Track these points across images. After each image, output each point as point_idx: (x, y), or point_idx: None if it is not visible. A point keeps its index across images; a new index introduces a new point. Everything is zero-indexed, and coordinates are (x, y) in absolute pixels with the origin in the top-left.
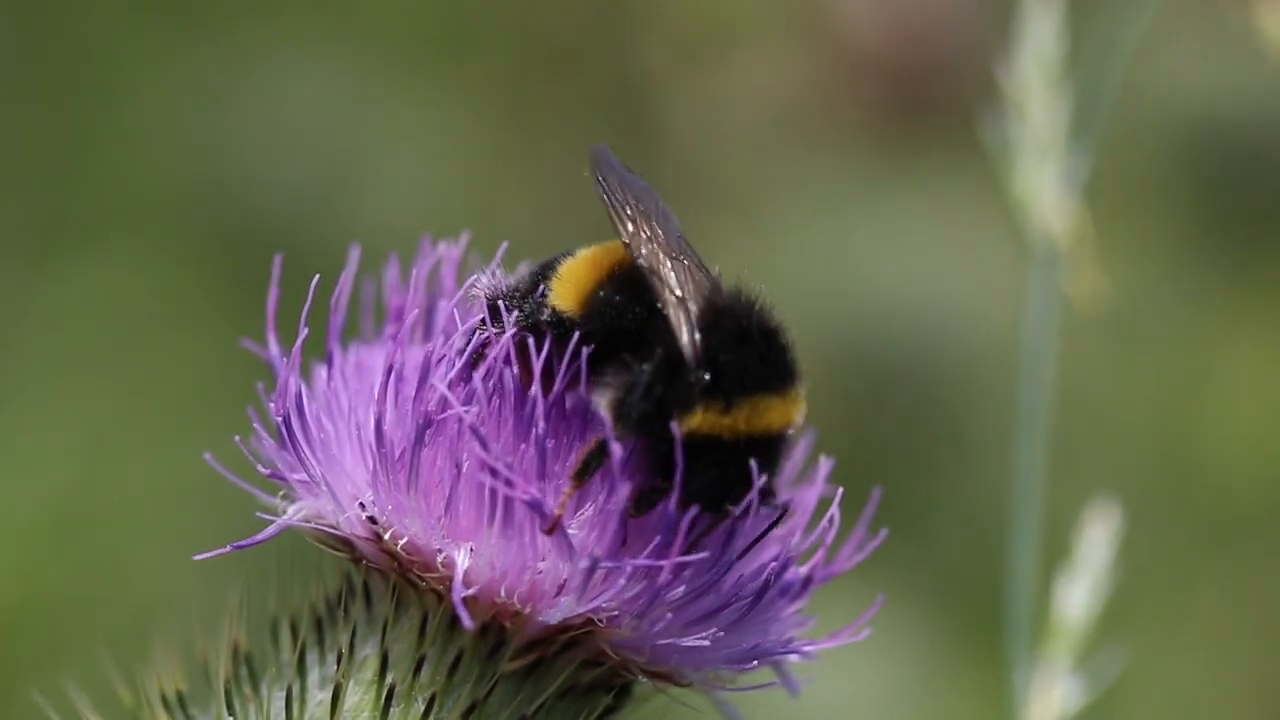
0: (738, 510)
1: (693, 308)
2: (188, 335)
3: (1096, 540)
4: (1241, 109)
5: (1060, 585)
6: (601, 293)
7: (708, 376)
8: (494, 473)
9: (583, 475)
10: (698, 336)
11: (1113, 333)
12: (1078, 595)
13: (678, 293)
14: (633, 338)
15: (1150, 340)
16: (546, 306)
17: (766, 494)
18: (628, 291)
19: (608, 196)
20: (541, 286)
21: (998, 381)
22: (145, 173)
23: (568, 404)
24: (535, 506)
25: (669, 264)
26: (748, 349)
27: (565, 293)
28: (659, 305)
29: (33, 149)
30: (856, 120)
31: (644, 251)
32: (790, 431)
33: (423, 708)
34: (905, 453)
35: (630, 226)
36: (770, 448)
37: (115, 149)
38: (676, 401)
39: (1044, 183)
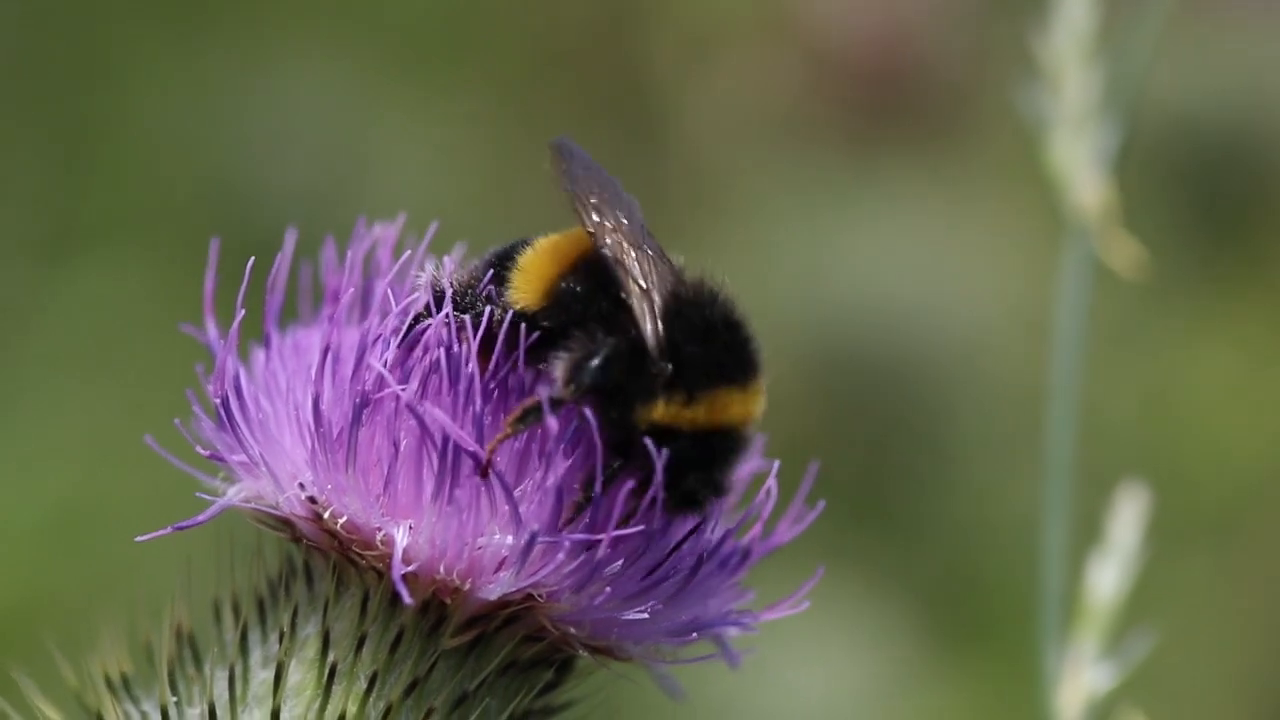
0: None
1: (656, 299)
2: (191, 338)
3: (1126, 523)
4: (1219, 110)
5: (1090, 569)
6: (564, 284)
7: (670, 368)
8: (423, 425)
9: (517, 424)
10: (661, 327)
11: (1100, 328)
12: (1107, 578)
13: (641, 284)
14: (595, 328)
15: (1130, 338)
16: (501, 301)
17: (720, 487)
18: (591, 282)
19: (570, 186)
20: (492, 277)
21: (982, 380)
22: (152, 177)
23: (509, 383)
24: (472, 454)
25: (633, 254)
26: (711, 341)
27: (526, 285)
28: (623, 296)
29: (41, 153)
30: (837, 122)
31: (608, 241)
32: (750, 425)
33: (365, 685)
34: (888, 452)
35: (595, 216)
36: (728, 441)
37: (122, 154)
38: (638, 391)
39: (1078, 157)
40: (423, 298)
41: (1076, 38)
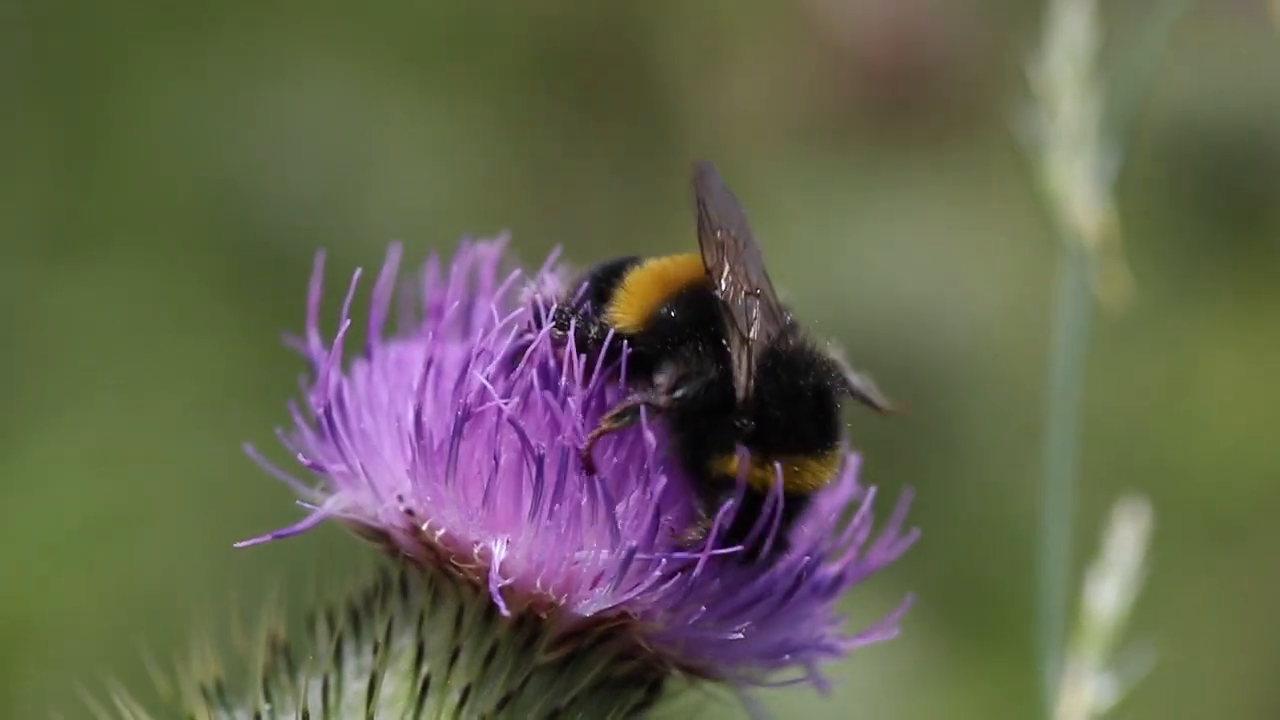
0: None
1: (757, 352)
2: (198, 340)
3: (1125, 538)
4: (1229, 112)
5: (1090, 582)
6: (665, 310)
7: (753, 425)
8: (524, 439)
9: (614, 422)
10: (752, 385)
11: (1109, 334)
12: (1107, 592)
13: (745, 334)
14: (692, 358)
15: (1145, 342)
16: (600, 319)
17: (781, 544)
18: (693, 314)
19: (702, 216)
20: (591, 291)
21: (995, 384)
22: (155, 179)
23: (608, 399)
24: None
25: (743, 301)
26: (798, 407)
27: (629, 306)
28: (724, 342)
29: (44, 155)
30: (849, 122)
31: (723, 284)
32: (820, 490)
33: (458, 698)
34: (899, 454)
35: (717, 254)
36: (795, 505)
37: (124, 155)
38: (717, 441)
39: (1075, 178)
40: (526, 314)
41: (1074, 59)
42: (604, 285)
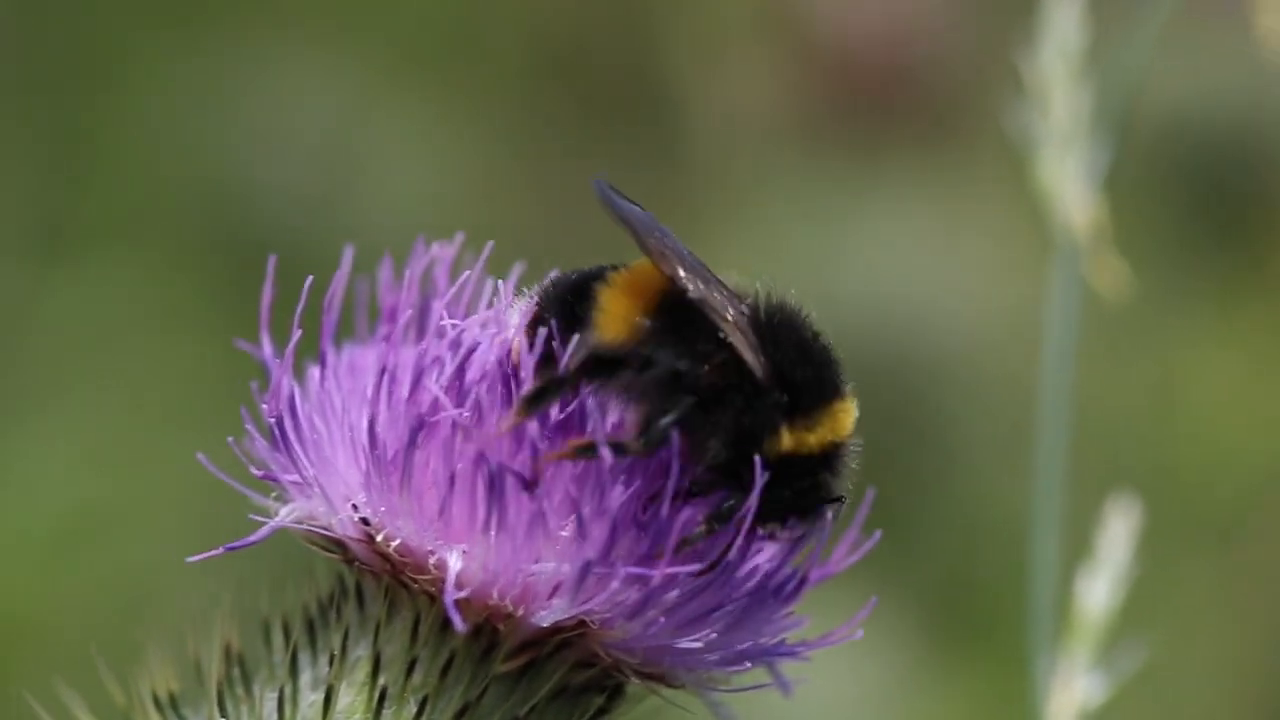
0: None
1: (746, 326)
2: (191, 340)
3: (1116, 535)
4: (1224, 110)
5: (1081, 580)
6: (646, 322)
7: (785, 395)
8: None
9: (572, 454)
10: (763, 359)
11: (1099, 333)
12: (1099, 590)
13: (728, 317)
14: (672, 371)
15: (1135, 341)
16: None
17: (838, 499)
18: (669, 321)
19: (637, 234)
20: (564, 309)
21: (989, 383)
22: (149, 178)
23: (570, 409)
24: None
25: (710, 291)
26: (813, 357)
27: (610, 325)
28: (721, 336)
29: (36, 153)
30: (843, 123)
31: (689, 285)
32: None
33: (415, 709)
34: (890, 455)
35: (669, 263)
36: (842, 453)
37: (119, 154)
38: (759, 426)
39: (1067, 174)
40: (482, 318)
41: (1065, 55)
42: (574, 304)
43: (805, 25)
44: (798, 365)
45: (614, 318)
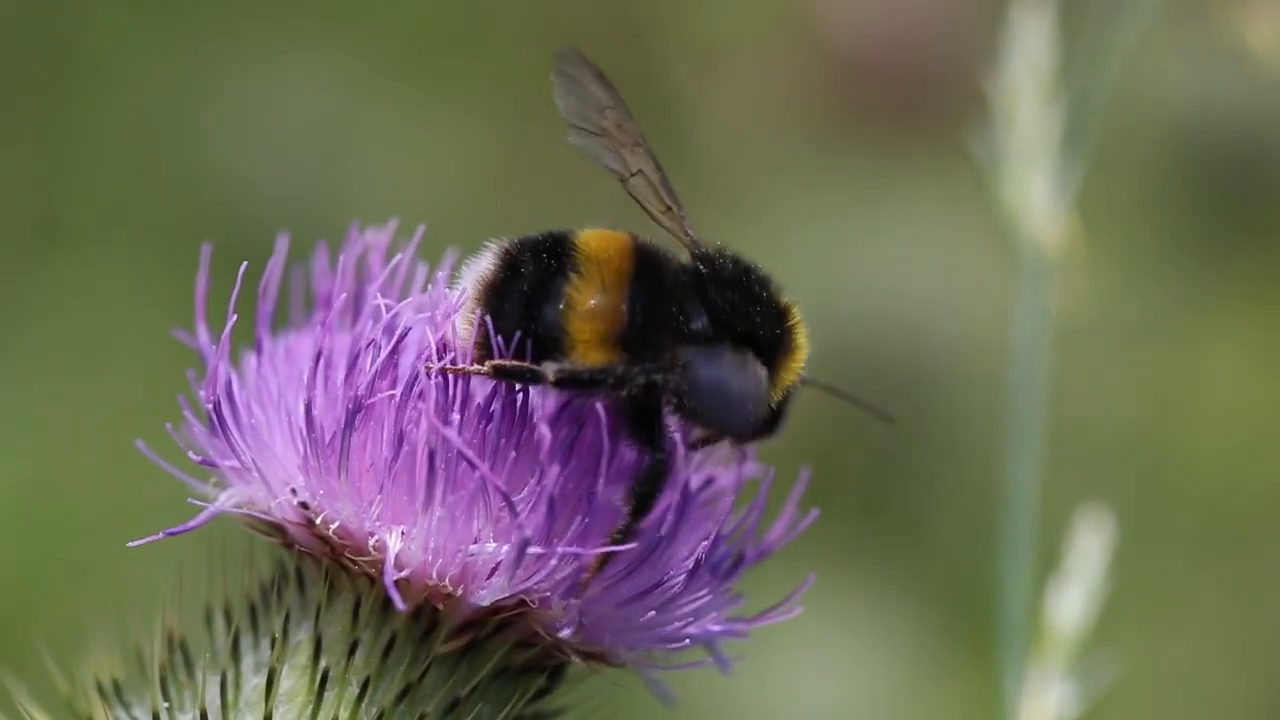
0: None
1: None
2: (173, 335)
3: (1088, 547)
4: (1226, 115)
5: (1052, 591)
6: (634, 319)
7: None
8: (467, 460)
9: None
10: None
11: (1100, 338)
12: (1070, 602)
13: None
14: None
15: (1136, 345)
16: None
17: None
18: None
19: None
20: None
21: (986, 385)
22: (138, 173)
23: (505, 389)
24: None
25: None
26: (761, 314)
27: (592, 336)
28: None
29: (23, 148)
30: (850, 125)
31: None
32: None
33: (357, 691)
34: (895, 453)
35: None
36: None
37: (107, 150)
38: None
39: (1034, 192)
40: (417, 302)
41: (1034, 70)
42: (548, 310)
43: (813, 28)
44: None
45: (597, 326)
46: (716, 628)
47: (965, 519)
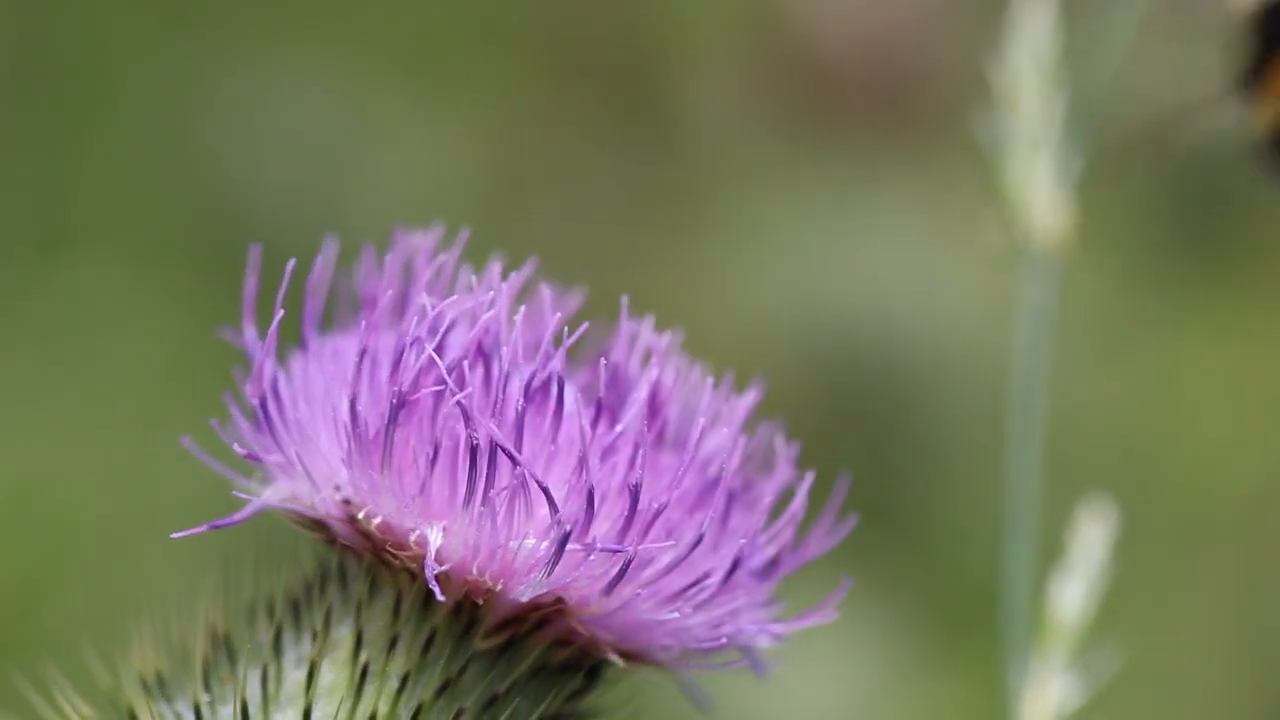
0: None
1: None
2: (178, 332)
3: (1091, 537)
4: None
5: (1054, 582)
6: None
7: None
8: (508, 456)
9: None
10: None
11: (1089, 334)
12: (1072, 594)
13: None
14: None
15: (1126, 344)
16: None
17: None
18: None
19: None
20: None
21: (976, 385)
22: (140, 173)
23: (549, 384)
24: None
25: None
26: None
27: None
28: None
29: (27, 148)
30: (837, 126)
31: None
32: None
33: (397, 685)
34: (888, 454)
35: None
36: None
37: (110, 148)
38: None
39: (1036, 180)
40: (461, 302)
41: (1037, 57)
42: None
43: (800, 29)
44: None
45: None
46: (753, 629)
47: (960, 516)
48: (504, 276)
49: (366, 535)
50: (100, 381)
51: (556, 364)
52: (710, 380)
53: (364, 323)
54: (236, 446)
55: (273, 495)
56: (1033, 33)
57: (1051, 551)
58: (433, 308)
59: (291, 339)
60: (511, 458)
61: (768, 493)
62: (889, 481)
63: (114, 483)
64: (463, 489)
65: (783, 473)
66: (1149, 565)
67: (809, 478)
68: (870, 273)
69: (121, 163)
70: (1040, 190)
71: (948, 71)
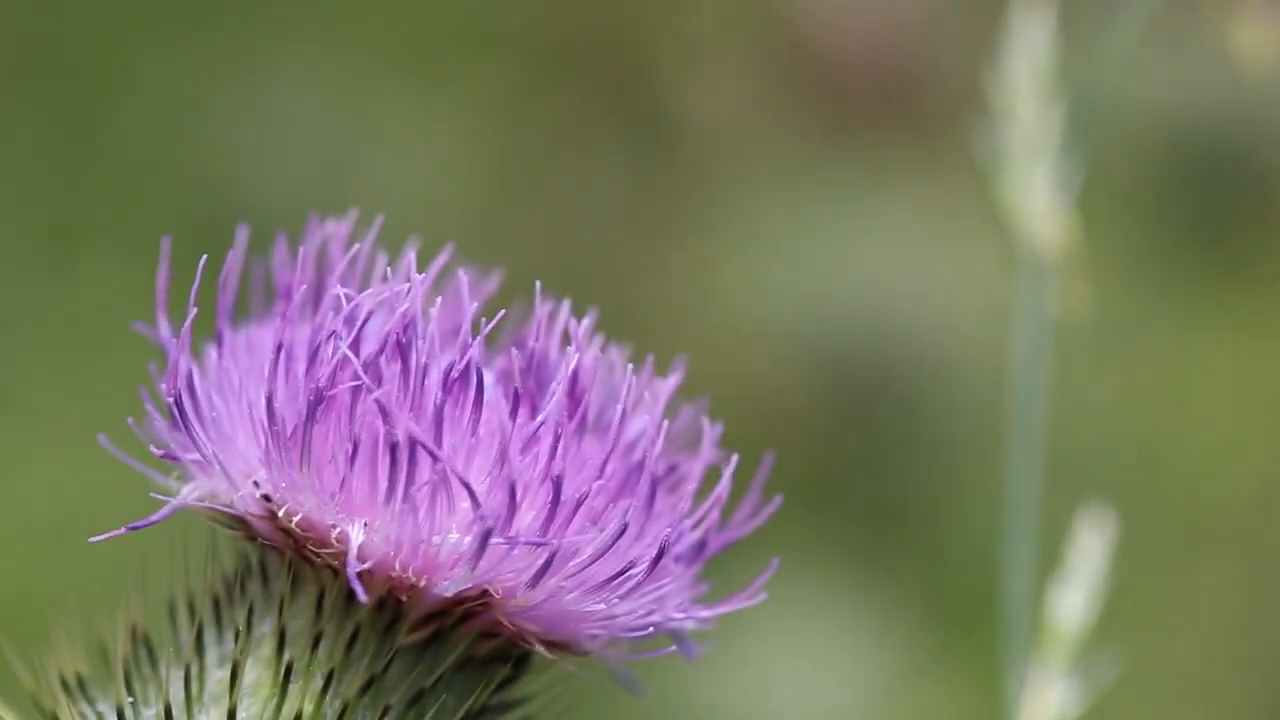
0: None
1: None
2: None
3: (1090, 544)
4: (1216, 115)
5: (1054, 589)
6: None
7: None
8: (428, 452)
9: None
10: None
11: (1093, 335)
12: (1072, 599)
13: None
14: None
15: (1129, 344)
16: None
17: None
18: None
19: None
20: None
21: (978, 386)
22: (149, 174)
23: (470, 375)
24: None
25: None
26: None
27: None
28: None
29: (38, 150)
30: (838, 124)
31: None
32: None
33: (321, 683)
34: (889, 458)
35: None
36: None
37: (120, 150)
38: None
39: (1034, 190)
40: (378, 292)
41: (1035, 67)
42: None
43: (801, 30)
44: None
45: None
46: (680, 615)
47: (959, 520)
48: (418, 269)
49: (287, 533)
50: (107, 382)
51: (475, 353)
52: (630, 364)
53: (279, 315)
54: (152, 446)
55: (191, 494)
56: (1031, 42)
57: (1053, 555)
58: (348, 299)
59: (207, 331)
60: (432, 454)
61: (693, 475)
62: (891, 483)
63: (122, 485)
64: (383, 485)
65: (707, 454)
66: (1150, 568)
67: (734, 458)
68: (872, 274)
69: (128, 164)
70: (1038, 198)
71: (951, 72)
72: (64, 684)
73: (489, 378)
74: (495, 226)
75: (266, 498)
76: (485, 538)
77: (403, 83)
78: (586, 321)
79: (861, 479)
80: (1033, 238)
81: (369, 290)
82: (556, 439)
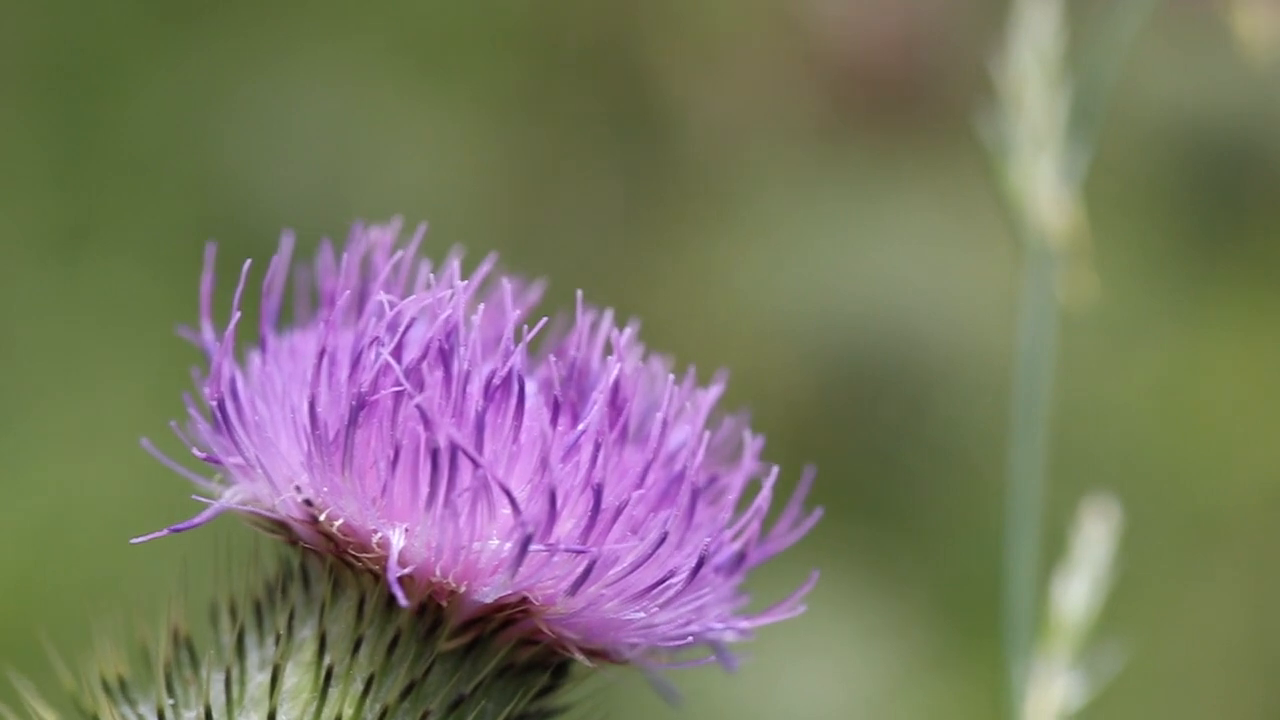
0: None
1: None
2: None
3: (1095, 535)
4: (1224, 108)
5: (1058, 582)
6: None
7: None
8: (469, 458)
9: None
10: None
11: (1101, 332)
12: (1076, 592)
13: None
14: None
15: (1138, 340)
16: None
17: None
18: None
19: None
20: None
21: (988, 384)
22: (155, 174)
23: (511, 381)
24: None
25: None
26: None
27: None
28: None
29: (44, 150)
30: (845, 125)
31: None
32: None
33: (361, 687)
34: (896, 450)
35: None
36: None
37: (126, 150)
38: None
39: (1040, 178)
40: (421, 299)
41: (1041, 57)
42: None
43: (811, 29)
44: None
45: None
46: (719, 625)
47: (963, 515)
48: (464, 275)
49: (328, 537)
50: (115, 382)
51: (517, 361)
52: (672, 374)
53: (323, 321)
54: (195, 449)
55: (233, 498)
56: (1037, 32)
57: (1058, 549)
58: (391, 305)
59: (252, 337)
60: (473, 460)
61: (733, 487)
62: (900, 481)
63: (121, 484)
64: (424, 491)
65: (749, 466)
66: (1158, 563)
67: (774, 470)
68: (882, 271)
69: (137, 164)
70: (1044, 189)
71: (960, 69)
72: (105, 686)
73: (530, 386)
74: (503, 226)
75: (308, 502)
76: (525, 544)
77: (411, 82)
78: (629, 331)
79: (871, 477)
80: (1038, 224)
81: (412, 297)
82: (597, 448)
